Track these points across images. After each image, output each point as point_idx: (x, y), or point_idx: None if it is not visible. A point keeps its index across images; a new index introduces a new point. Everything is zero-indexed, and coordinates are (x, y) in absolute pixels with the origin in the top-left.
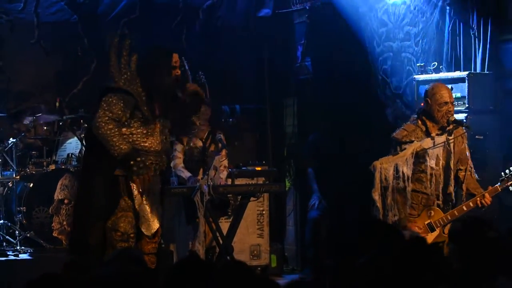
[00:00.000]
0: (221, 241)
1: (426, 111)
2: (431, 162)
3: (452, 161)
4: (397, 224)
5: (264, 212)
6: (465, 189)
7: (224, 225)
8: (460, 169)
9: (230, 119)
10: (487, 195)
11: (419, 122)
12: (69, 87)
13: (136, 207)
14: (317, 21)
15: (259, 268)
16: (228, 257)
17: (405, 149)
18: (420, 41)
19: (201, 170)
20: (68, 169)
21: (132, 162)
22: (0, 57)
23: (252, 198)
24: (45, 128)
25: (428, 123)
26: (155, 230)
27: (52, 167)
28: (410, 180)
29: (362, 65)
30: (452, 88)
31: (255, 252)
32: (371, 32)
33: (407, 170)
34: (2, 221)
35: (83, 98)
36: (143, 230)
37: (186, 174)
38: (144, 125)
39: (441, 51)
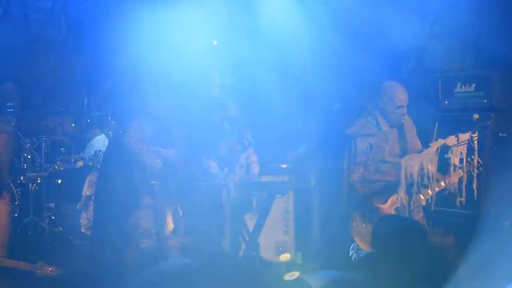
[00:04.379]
0: (247, 238)
1: (381, 108)
2: (455, 160)
3: (475, 158)
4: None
5: (289, 209)
6: None
7: (250, 222)
8: None
9: None
10: (453, 177)
11: (369, 117)
12: (96, 85)
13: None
14: None
15: (284, 265)
16: (254, 253)
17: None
18: (445, 38)
19: (227, 168)
20: (96, 166)
21: (170, 175)
22: (29, 54)
23: (277, 195)
24: (73, 125)
25: (380, 119)
26: (171, 230)
27: (80, 163)
28: (434, 177)
29: (387, 62)
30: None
31: (280, 248)
32: (396, 31)
33: (432, 167)
34: (31, 217)
35: (110, 96)
36: (159, 230)
37: (220, 173)
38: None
39: (465, 49)
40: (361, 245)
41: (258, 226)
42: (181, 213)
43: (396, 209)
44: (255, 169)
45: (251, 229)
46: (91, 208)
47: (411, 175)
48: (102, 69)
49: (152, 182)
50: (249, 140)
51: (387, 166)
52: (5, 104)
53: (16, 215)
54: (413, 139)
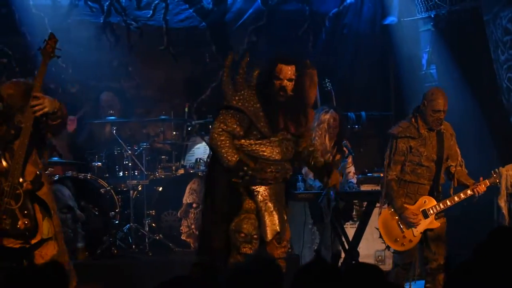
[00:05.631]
0: (346, 246)
1: (421, 111)
2: None
3: None
4: None
5: None
6: (457, 181)
7: (350, 230)
8: (451, 165)
9: (356, 126)
10: (482, 186)
11: (413, 120)
12: (197, 93)
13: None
14: (442, 29)
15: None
16: (353, 262)
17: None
18: None
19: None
20: (197, 174)
21: (240, 173)
22: (129, 63)
23: (377, 204)
24: (174, 133)
25: (420, 122)
26: (273, 235)
27: (181, 171)
28: None
29: (486, 73)
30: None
31: (379, 257)
32: (496, 40)
33: None
34: (132, 224)
35: (211, 104)
36: (262, 235)
37: (317, 183)
38: (262, 139)
39: None
40: (386, 240)
41: (358, 235)
42: (285, 218)
43: (422, 211)
44: (353, 178)
45: (350, 238)
46: (191, 215)
47: (511, 184)
48: (203, 77)
49: (254, 188)
50: (349, 149)
51: (423, 170)
52: (107, 112)
53: (117, 222)
54: (451, 146)
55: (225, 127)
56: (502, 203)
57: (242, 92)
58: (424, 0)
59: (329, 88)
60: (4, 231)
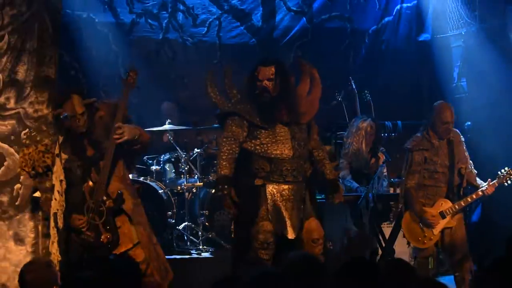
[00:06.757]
0: (383, 244)
1: (431, 124)
2: None
3: None
4: None
5: None
6: (466, 182)
7: (386, 229)
8: (461, 167)
9: (393, 134)
10: (491, 187)
11: (424, 132)
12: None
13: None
14: (472, 45)
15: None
16: (389, 258)
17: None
18: None
19: (365, 180)
20: None
21: (218, 187)
22: (185, 75)
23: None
24: None
25: (431, 133)
26: (295, 234)
27: None
28: None
29: None
30: None
31: (413, 254)
32: None
33: None
34: (187, 223)
35: None
36: (287, 235)
37: (354, 184)
38: (269, 133)
39: None
40: (409, 239)
41: (394, 234)
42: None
43: (440, 212)
44: (386, 183)
45: (387, 236)
46: None
47: None
48: None
49: (274, 188)
50: (386, 155)
51: (439, 175)
52: (165, 120)
53: (173, 221)
54: (460, 151)
55: (228, 134)
56: None
57: (234, 99)
58: (455, 18)
59: (368, 99)
60: (89, 243)
